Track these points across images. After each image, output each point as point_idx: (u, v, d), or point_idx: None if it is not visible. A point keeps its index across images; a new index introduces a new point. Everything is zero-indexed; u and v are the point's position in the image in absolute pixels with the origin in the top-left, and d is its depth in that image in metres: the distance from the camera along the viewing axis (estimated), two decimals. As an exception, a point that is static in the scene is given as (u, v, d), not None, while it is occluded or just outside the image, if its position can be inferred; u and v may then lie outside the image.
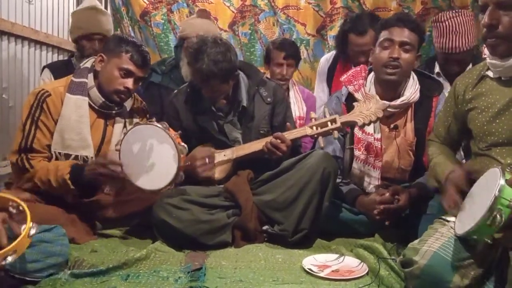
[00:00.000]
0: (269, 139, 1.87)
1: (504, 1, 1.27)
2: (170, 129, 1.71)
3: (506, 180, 1.13)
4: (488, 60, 1.40)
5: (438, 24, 2.36)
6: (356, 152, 1.96)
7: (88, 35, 2.48)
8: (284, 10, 3.42)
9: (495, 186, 1.13)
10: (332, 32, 3.32)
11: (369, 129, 1.94)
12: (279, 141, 1.84)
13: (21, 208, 1.27)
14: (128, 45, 1.87)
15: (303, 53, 3.41)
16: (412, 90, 1.92)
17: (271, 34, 3.42)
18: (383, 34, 1.90)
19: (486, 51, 1.40)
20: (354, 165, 1.97)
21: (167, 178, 1.67)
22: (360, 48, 2.56)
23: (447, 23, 2.32)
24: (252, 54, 3.49)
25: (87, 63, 1.95)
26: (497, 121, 1.36)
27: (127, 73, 1.86)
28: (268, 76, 2.47)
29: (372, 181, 1.95)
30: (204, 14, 2.79)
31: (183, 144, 1.71)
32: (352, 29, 2.59)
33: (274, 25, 3.46)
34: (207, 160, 1.90)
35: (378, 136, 1.93)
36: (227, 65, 1.86)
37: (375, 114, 1.80)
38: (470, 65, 2.42)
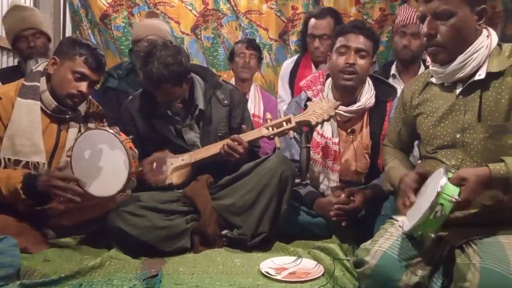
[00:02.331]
0: (226, 141, 1.87)
1: (440, 11, 1.33)
2: (121, 133, 1.68)
3: (448, 178, 1.20)
4: (430, 67, 1.46)
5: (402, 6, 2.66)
6: (315, 156, 1.99)
7: (17, 34, 2.42)
8: (247, 15, 3.44)
9: (438, 183, 1.19)
10: (294, 37, 3.36)
11: (327, 133, 1.98)
12: (236, 143, 1.84)
13: None
14: (82, 47, 1.82)
15: (266, 57, 3.44)
16: (367, 96, 1.98)
17: (234, 38, 3.43)
18: (339, 41, 1.95)
19: (429, 59, 1.46)
20: (314, 168, 2.00)
21: (118, 184, 1.64)
22: (318, 31, 2.70)
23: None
24: (215, 58, 3.49)
25: (40, 66, 1.89)
26: (442, 125, 1.41)
27: (81, 77, 1.81)
28: (227, 78, 2.51)
29: (330, 184, 1.99)
30: (152, 15, 2.83)
31: (134, 149, 1.69)
32: (312, 15, 2.79)
33: (237, 29, 3.47)
34: (154, 165, 1.87)
35: (336, 140, 1.97)
36: (177, 67, 1.85)
37: (327, 113, 1.84)
38: (423, 68, 2.53)
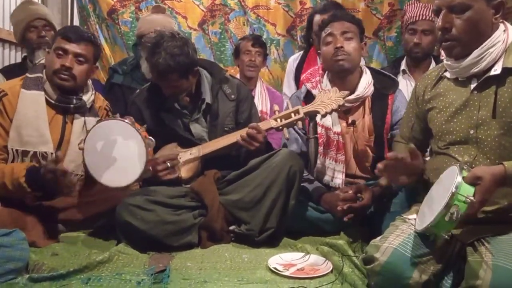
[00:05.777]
0: (244, 131, 1.85)
1: (455, 4, 1.31)
2: (136, 123, 1.68)
3: (463, 178, 1.17)
4: (445, 61, 1.44)
5: (410, 2, 2.60)
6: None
7: (28, 24, 2.44)
8: (254, 10, 3.42)
9: (453, 183, 1.16)
10: (302, 33, 3.34)
11: (328, 123, 1.97)
12: (255, 131, 1.83)
13: None
14: (62, 29, 1.90)
15: (274, 53, 3.43)
16: (365, 84, 1.97)
17: (241, 33, 3.41)
18: (323, 33, 1.97)
19: (443, 53, 1.43)
20: (317, 160, 1.98)
21: (135, 174, 1.64)
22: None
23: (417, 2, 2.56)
24: (223, 54, 3.48)
25: (43, 60, 1.91)
26: (455, 120, 1.39)
27: (62, 52, 1.81)
28: (234, 73, 2.50)
29: (336, 175, 1.97)
30: (159, 9, 2.81)
31: (150, 137, 1.68)
32: (316, 11, 2.77)
33: (244, 24, 3.46)
34: (168, 164, 1.87)
35: (338, 130, 1.96)
36: (184, 59, 1.84)
37: (336, 102, 1.83)
38: (434, 64, 2.50)
